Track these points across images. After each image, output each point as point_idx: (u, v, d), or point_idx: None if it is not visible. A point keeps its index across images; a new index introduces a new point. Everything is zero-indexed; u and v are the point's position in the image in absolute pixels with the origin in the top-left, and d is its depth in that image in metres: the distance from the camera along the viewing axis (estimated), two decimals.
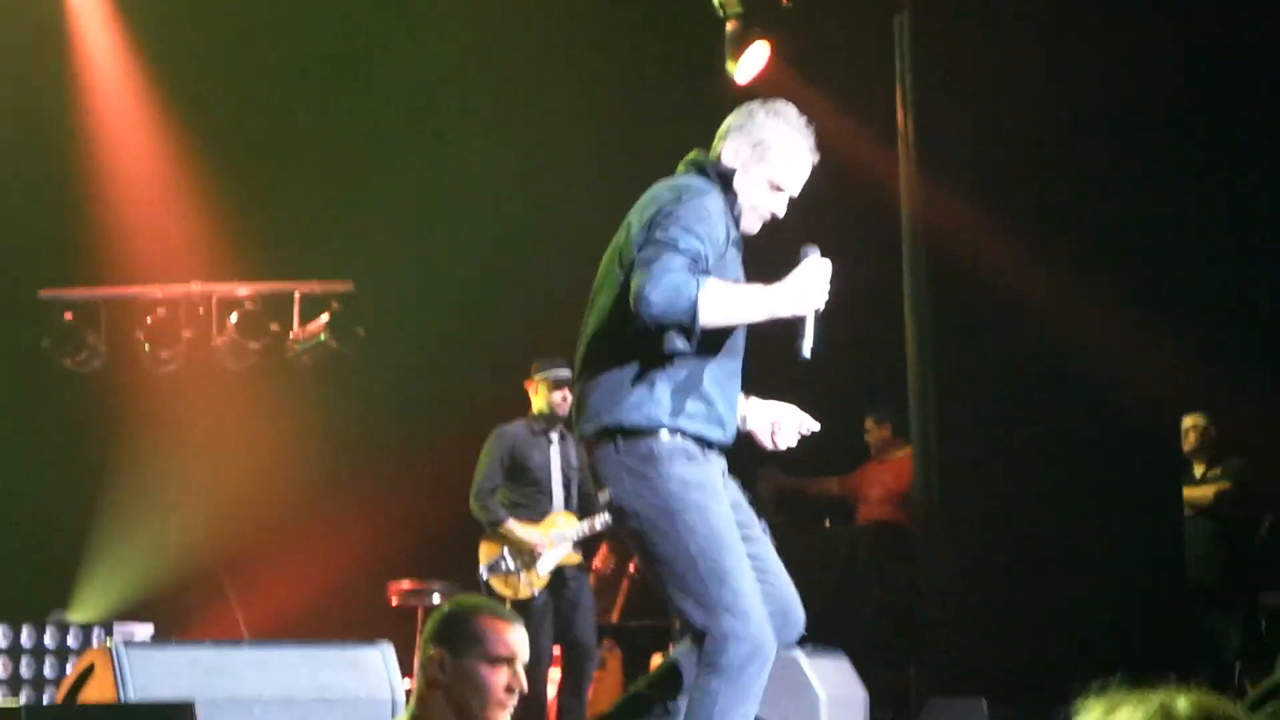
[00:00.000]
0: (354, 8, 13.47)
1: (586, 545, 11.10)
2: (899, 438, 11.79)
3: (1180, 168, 11.80)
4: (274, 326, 13.50)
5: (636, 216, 5.68)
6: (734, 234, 5.69)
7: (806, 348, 5.52)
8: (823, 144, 5.79)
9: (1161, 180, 11.76)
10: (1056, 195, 11.91)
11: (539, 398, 10.90)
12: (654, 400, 5.56)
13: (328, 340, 13.38)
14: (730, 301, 5.45)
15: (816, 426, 5.95)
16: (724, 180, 5.71)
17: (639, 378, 5.58)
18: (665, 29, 12.69)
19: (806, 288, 5.52)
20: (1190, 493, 11.49)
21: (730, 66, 10.70)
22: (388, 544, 12.97)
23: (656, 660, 11.78)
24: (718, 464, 5.68)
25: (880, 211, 11.14)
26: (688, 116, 12.50)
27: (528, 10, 13.06)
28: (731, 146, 5.73)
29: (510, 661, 4.53)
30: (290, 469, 13.47)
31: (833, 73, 11.20)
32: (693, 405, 5.57)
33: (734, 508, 5.70)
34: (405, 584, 11.88)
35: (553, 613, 10.74)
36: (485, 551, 10.77)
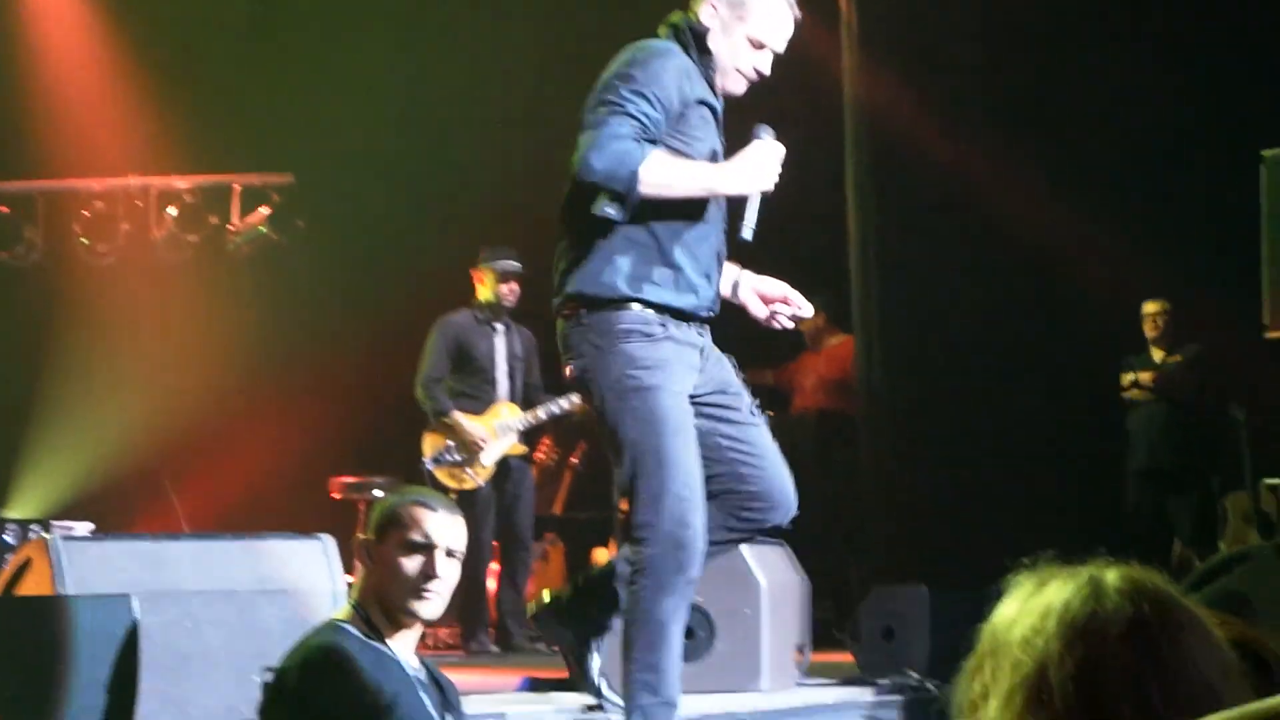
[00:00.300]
0: None
1: (530, 436, 11.11)
2: (833, 325, 11.74)
3: (1126, 48, 11.79)
4: (213, 219, 13.39)
5: (600, 80, 5.57)
6: (703, 95, 5.57)
7: (748, 229, 5.47)
8: None
9: (1110, 63, 11.76)
10: (1001, 78, 11.90)
11: (485, 287, 10.86)
12: (614, 268, 5.45)
13: (268, 232, 13.29)
14: (673, 174, 5.38)
15: (809, 311, 5.89)
16: (699, 41, 5.61)
17: (601, 245, 5.46)
18: None
19: (755, 168, 5.46)
20: (1145, 376, 11.50)
21: None
22: (330, 437, 12.95)
23: (599, 553, 11.86)
24: (689, 337, 5.55)
25: (823, 98, 11.08)
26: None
27: None
28: (709, 6, 5.62)
29: (428, 549, 4.46)
30: (230, 363, 13.41)
31: None
32: (658, 272, 5.47)
33: (718, 389, 5.62)
34: (347, 477, 11.85)
35: (495, 504, 10.76)
36: (430, 443, 10.76)
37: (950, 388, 12.18)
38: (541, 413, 10.84)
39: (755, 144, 5.51)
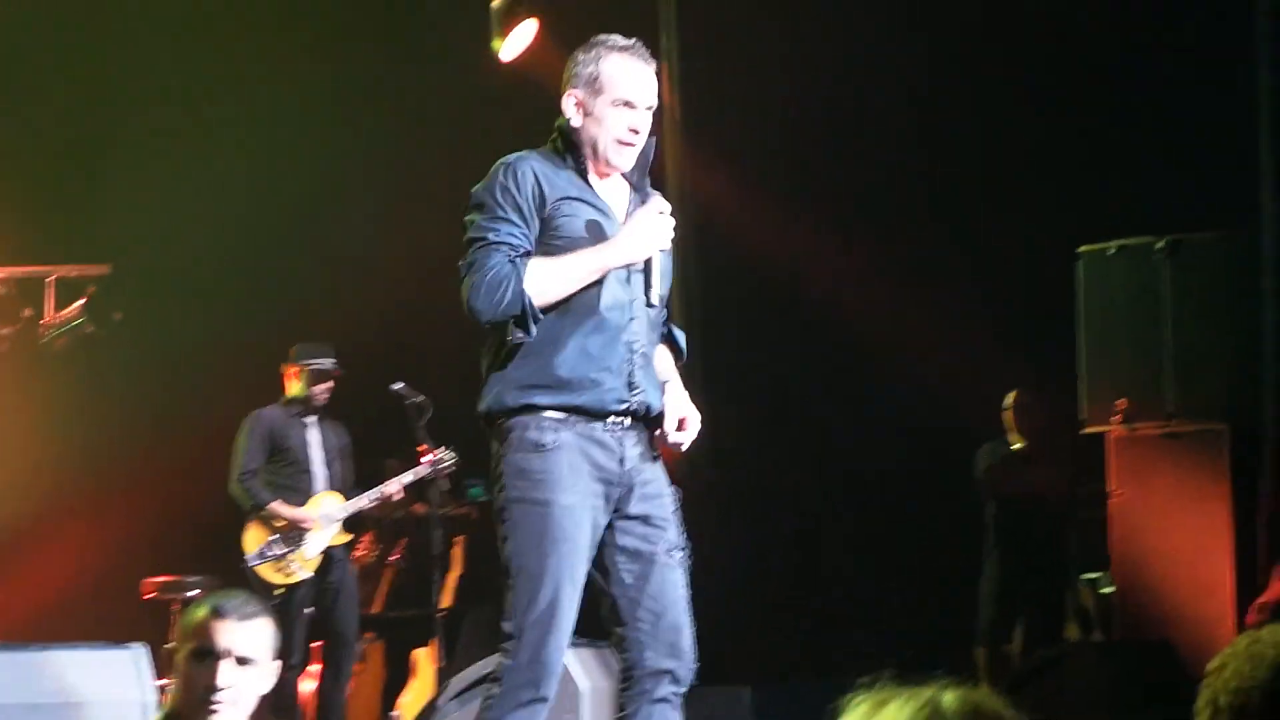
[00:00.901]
0: None
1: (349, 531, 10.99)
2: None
3: (948, 136, 11.90)
4: (27, 312, 13.14)
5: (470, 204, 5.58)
6: (568, 192, 5.50)
7: (654, 294, 5.47)
8: None
9: (934, 154, 11.86)
10: (828, 170, 11.97)
11: (297, 384, 10.79)
12: (506, 382, 5.40)
13: (84, 324, 13.06)
14: (557, 272, 5.36)
15: (684, 443, 5.73)
16: (566, 138, 5.56)
17: (498, 362, 5.43)
18: (427, 5, 12.55)
19: (641, 233, 5.42)
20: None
21: (496, 44, 10.56)
22: (148, 535, 12.72)
23: (419, 653, 11.69)
24: (599, 437, 5.45)
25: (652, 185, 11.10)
26: (451, 97, 12.47)
27: None
28: (569, 100, 5.56)
29: (214, 658, 4.32)
30: (42, 459, 13.14)
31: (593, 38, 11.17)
32: (548, 376, 5.39)
33: (642, 516, 5.52)
34: (162, 577, 11.64)
35: (315, 600, 10.61)
36: (251, 538, 10.61)
37: (779, 473, 12.17)
38: (365, 501, 10.75)
39: (638, 211, 5.47)
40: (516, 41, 10.56)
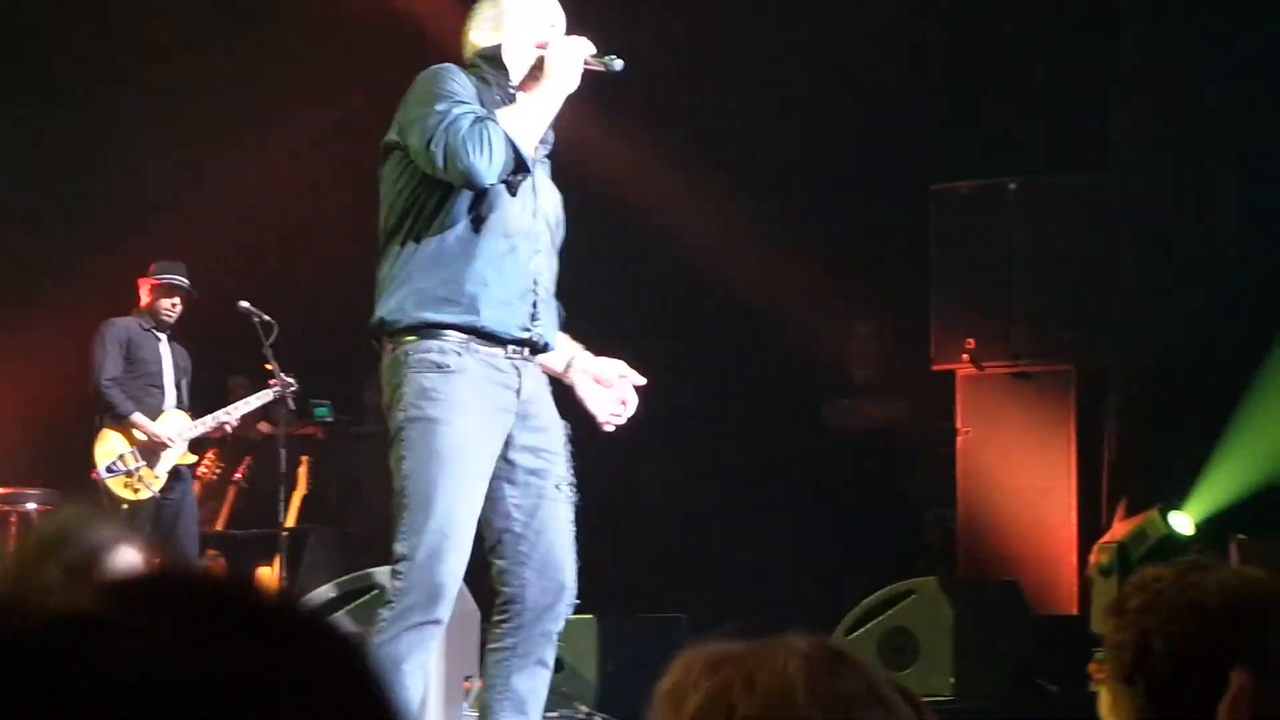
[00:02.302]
0: None
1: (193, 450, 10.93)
2: None
3: (799, 80, 11.89)
4: None
5: (393, 127, 5.53)
6: (500, 101, 5.51)
7: (615, 62, 5.51)
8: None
9: (785, 94, 11.84)
10: (681, 112, 11.93)
11: (147, 299, 10.71)
12: (409, 292, 5.39)
13: None
14: (524, 115, 5.40)
15: (633, 405, 5.75)
16: (493, 61, 5.57)
17: (400, 272, 5.41)
18: None
19: (564, 57, 5.45)
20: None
21: None
22: None
23: (263, 571, 11.61)
24: (499, 364, 5.44)
25: None
26: (324, 30, 12.32)
27: None
28: (484, 25, 5.63)
29: None
30: None
31: None
32: (455, 292, 5.36)
33: (531, 448, 5.49)
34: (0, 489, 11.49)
35: (155, 517, 10.54)
36: (103, 448, 10.50)
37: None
38: (211, 421, 10.70)
39: (548, 52, 5.48)
40: None
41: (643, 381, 5.76)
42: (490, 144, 5.26)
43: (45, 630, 1.03)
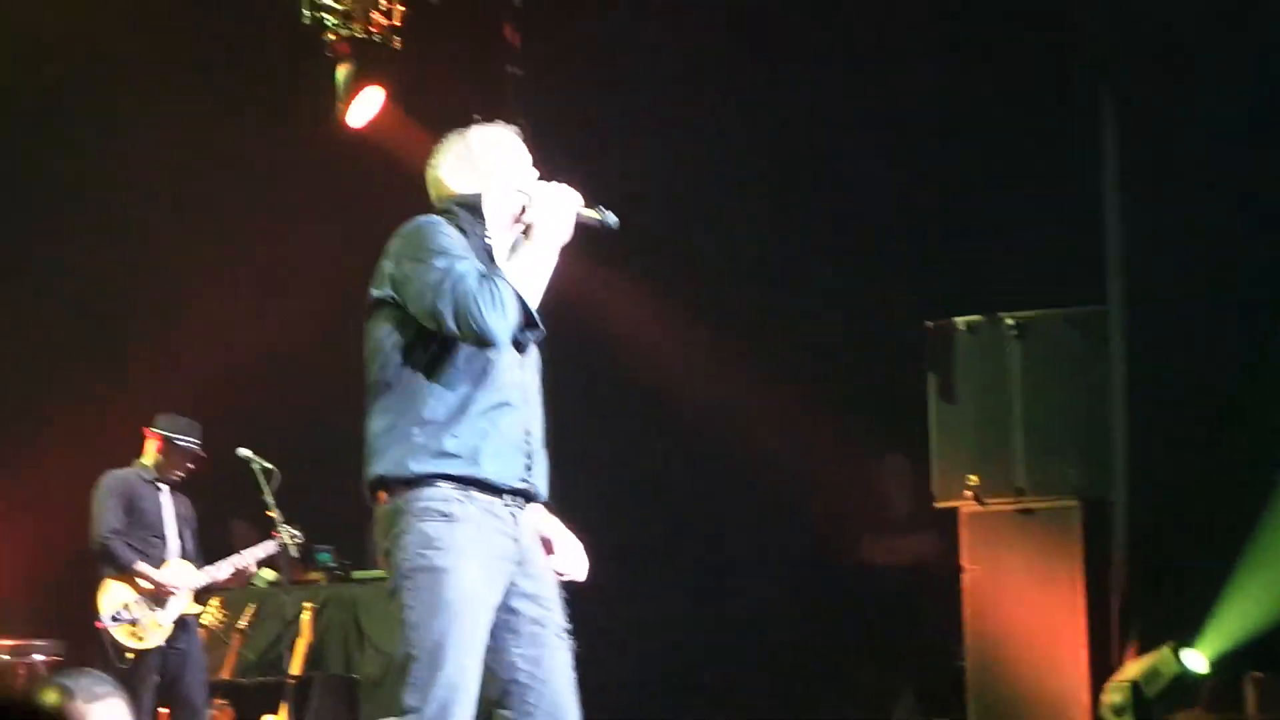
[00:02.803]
0: None
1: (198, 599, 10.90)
2: None
3: (797, 210, 11.91)
4: None
5: (384, 281, 5.47)
6: (483, 252, 5.50)
7: (610, 217, 5.52)
8: None
9: (779, 233, 11.87)
10: (675, 246, 11.94)
11: (157, 453, 10.75)
12: (409, 447, 5.34)
13: None
14: (527, 269, 5.37)
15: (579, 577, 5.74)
16: (473, 209, 5.56)
17: (397, 426, 5.37)
18: (272, 70, 12.43)
19: (554, 208, 5.43)
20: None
21: (340, 109, 10.49)
22: None
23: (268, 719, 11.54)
24: (498, 513, 5.40)
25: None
26: (296, 162, 12.34)
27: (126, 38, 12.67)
28: (457, 178, 5.62)
29: None
30: None
31: (450, 117, 11.11)
32: (454, 444, 5.33)
33: (531, 596, 5.45)
34: (5, 640, 11.49)
35: (162, 666, 10.51)
36: (108, 599, 10.47)
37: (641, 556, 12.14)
38: (219, 571, 10.70)
39: (537, 198, 5.48)
40: (363, 108, 10.51)
41: (580, 578, 5.73)
42: (502, 302, 5.26)
43: None
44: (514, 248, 5.51)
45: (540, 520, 5.69)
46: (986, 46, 11.04)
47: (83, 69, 12.66)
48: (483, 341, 5.29)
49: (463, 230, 5.52)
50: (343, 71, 10.42)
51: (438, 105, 11.23)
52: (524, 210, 5.53)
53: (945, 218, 11.51)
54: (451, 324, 5.26)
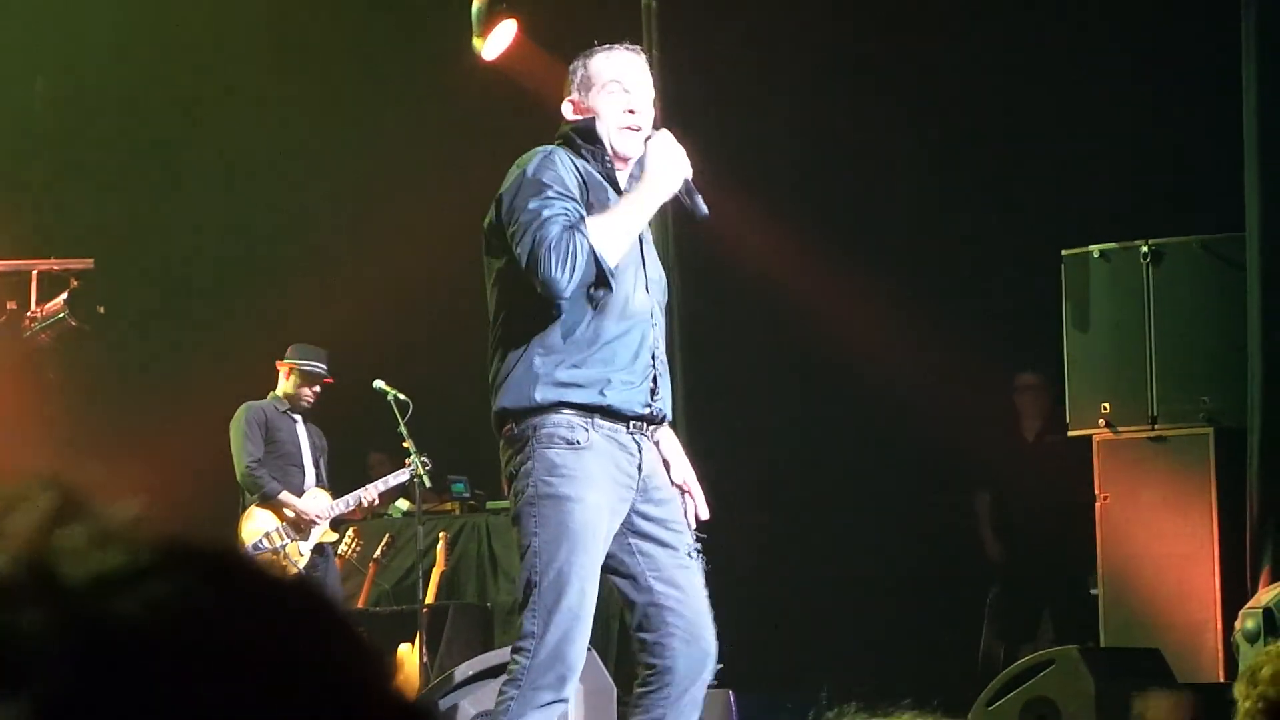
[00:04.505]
0: None
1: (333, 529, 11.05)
2: None
3: (929, 144, 11.87)
4: (11, 305, 13.09)
5: (492, 210, 5.56)
6: (598, 183, 5.55)
7: (701, 208, 5.54)
8: None
9: (914, 168, 11.84)
10: (792, 176, 11.93)
11: (287, 382, 10.91)
12: (532, 377, 5.40)
13: (67, 318, 13.00)
14: (616, 226, 5.39)
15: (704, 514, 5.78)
16: (586, 135, 5.60)
17: (518, 357, 5.43)
18: (406, 3, 12.53)
19: (666, 166, 5.46)
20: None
21: (476, 43, 10.52)
22: None
23: (404, 649, 11.66)
24: (623, 440, 5.46)
25: None
26: (433, 94, 12.44)
27: None
28: (567, 105, 5.66)
29: None
30: (28, 451, 13.10)
31: (582, 49, 11.14)
32: (577, 374, 5.39)
33: (660, 520, 5.52)
34: None
35: None
36: (250, 527, 10.65)
37: (772, 484, 12.14)
38: (352, 499, 10.83)
39: (650, 149, 5.51)
40: (497, 41, 10.54)
41: (704, 515, 5.77)
42: (573, 258, 5.28)
43: None
44: (626, 189, 5.56)
45: (664, 443, 5.76)
46: None
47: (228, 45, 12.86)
48: (547, 293, 5.33)
49: (582, 155, 5.59)
50: (478, 4, 10.45)
51: (572, 36, 11.33)
52: (639, 141, 5.59)
53: (1082, 144, 11.46)
54: (524, 267, 5.34)
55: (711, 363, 11.15)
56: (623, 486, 5.45)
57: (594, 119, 5.61)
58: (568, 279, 5.28)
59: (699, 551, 5.61)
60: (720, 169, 5.61)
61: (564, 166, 5.48)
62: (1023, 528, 11.50)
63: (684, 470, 5.79)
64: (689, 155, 5.55)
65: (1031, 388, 11.63)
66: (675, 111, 10.72)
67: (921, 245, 11.94)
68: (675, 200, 5.56)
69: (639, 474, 5.49)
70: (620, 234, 5.40)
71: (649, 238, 5.76)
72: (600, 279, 5.36)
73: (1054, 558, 11.25)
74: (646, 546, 5.52)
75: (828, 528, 11.93)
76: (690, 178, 5.56)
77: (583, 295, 5.42)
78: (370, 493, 10.96)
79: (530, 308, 5.45)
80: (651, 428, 5.58)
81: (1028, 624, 11.35)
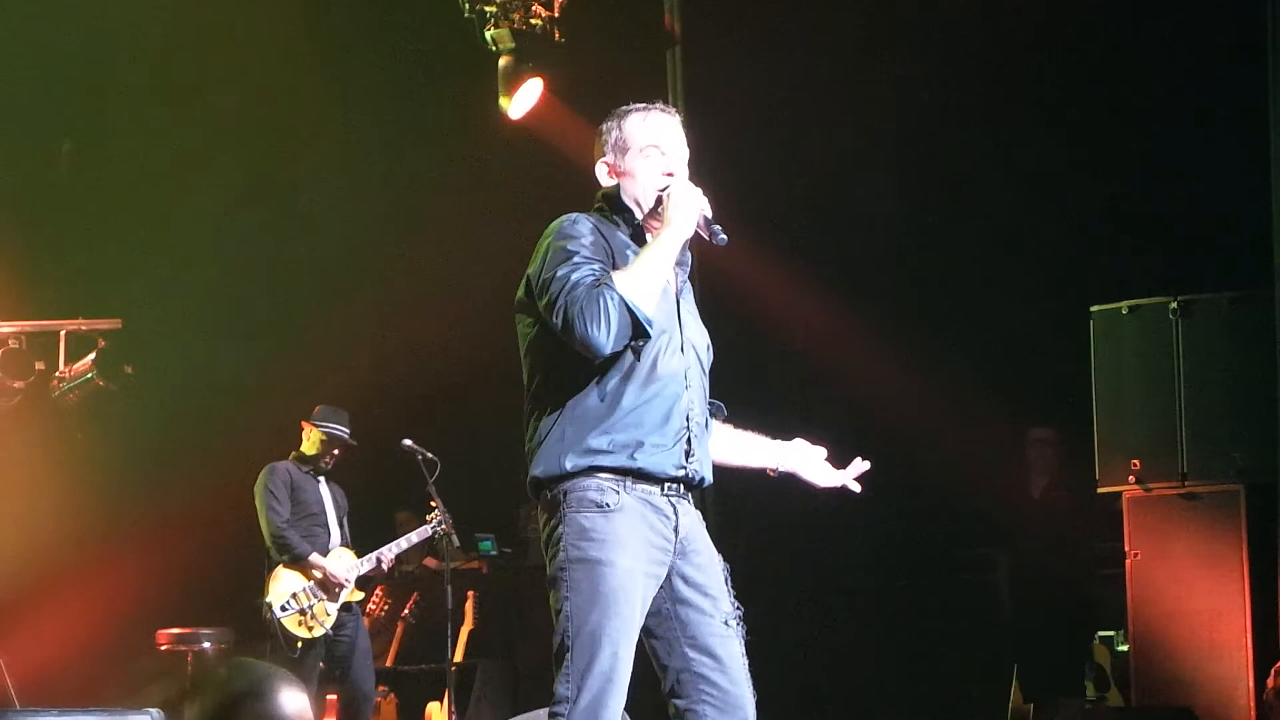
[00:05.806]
0: (111, 40, 13.18)
1: (361, 587, 11.03)
2: None
3: (958, 200, 11.87)
4: (39, 365, 13.13)
5: (522, 286, 5.53)
6: (627, 245, 5.53)
7: (721, 237, 5.49)
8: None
9: (941, 213, 11.83)
10: (836, 238, 11.92)
11: (310, 443, 10.92)
12: (564, 444, 5.37)
13: (95, 378, 13.04)
14: (642, 274, 5.35)
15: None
16: (613, 202, 5.59)
17: (551, 425, 5.40)
18: (436, 64, 12.55)
19: (683, 206, 5.43)
20: None
21: (503, 102, 10.57)
22: (159, 587, 12.72)
23: (432, 706, 11.65)
24: (657, 503, 5.43)
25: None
26: (458, 155, 12.47)
27: (298, 45, 12.84)
28: (603, 167, 5.62)
29: None
30: (56, 512, 13.13)
31: (608, 108, 11.16)
32: (607, 440, 5.37)
33: (698, 588, 5.47)
34: (175, 629, 11.68)
35: (328, 654, 10.65)
36: (278, 588, 10.62)
37: (793, 540, 12.12)
38: (377, 558, 10.83)
39: (666, 196, 5.48)
40: (523, 99, 10.58)
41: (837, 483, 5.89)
42: (606, 314, 5.25)
43: None
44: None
45: (787, 449, 5.88)
46: (1156, 30, 11.01)
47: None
48: (588, 353, 5.30)
49: (610, 218, 5.58)
50: (504, 63, 10.50)
51: (598, 94, 11.36)
52: (659, 201, 5.56)
53: (1111, 200, 11.45)
54: (561, 333, 5.30)
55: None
56: (657, 549, 5.41)
57: (624, 184, 5.62)
58: (605, 335, 5.26)
59: (739, 620, 5.57)
60: (734, 213, 5.58)
61: (588, 231, 5.48)
62: (1037, 586, 11.44)
63: (808, 453, 5.92)
64: (710, 199, 5.54)
65: (1043, 442, 11.59)
66: (699, 160, 10.79)
67: (950, 301, 11.92)
68: (695, 235, 5.54)
69: (675, 536, 5.45)
70: (647, 281, 5.37)
71: (689, 296, 5.75)
72: (637, 330, 5.34)
73: (1074, 615, 11.19)
74: (681, 610, 5.46)
75: (840, 584, 11.91)
76: (709, 214, 5.55)
77: (611, 362, 5.40)
78: (392, 551, 10.96)
79: (561, 376, 5.44)
80: (688, 490, 5.55)
81: (1056, 683, 11.29)
